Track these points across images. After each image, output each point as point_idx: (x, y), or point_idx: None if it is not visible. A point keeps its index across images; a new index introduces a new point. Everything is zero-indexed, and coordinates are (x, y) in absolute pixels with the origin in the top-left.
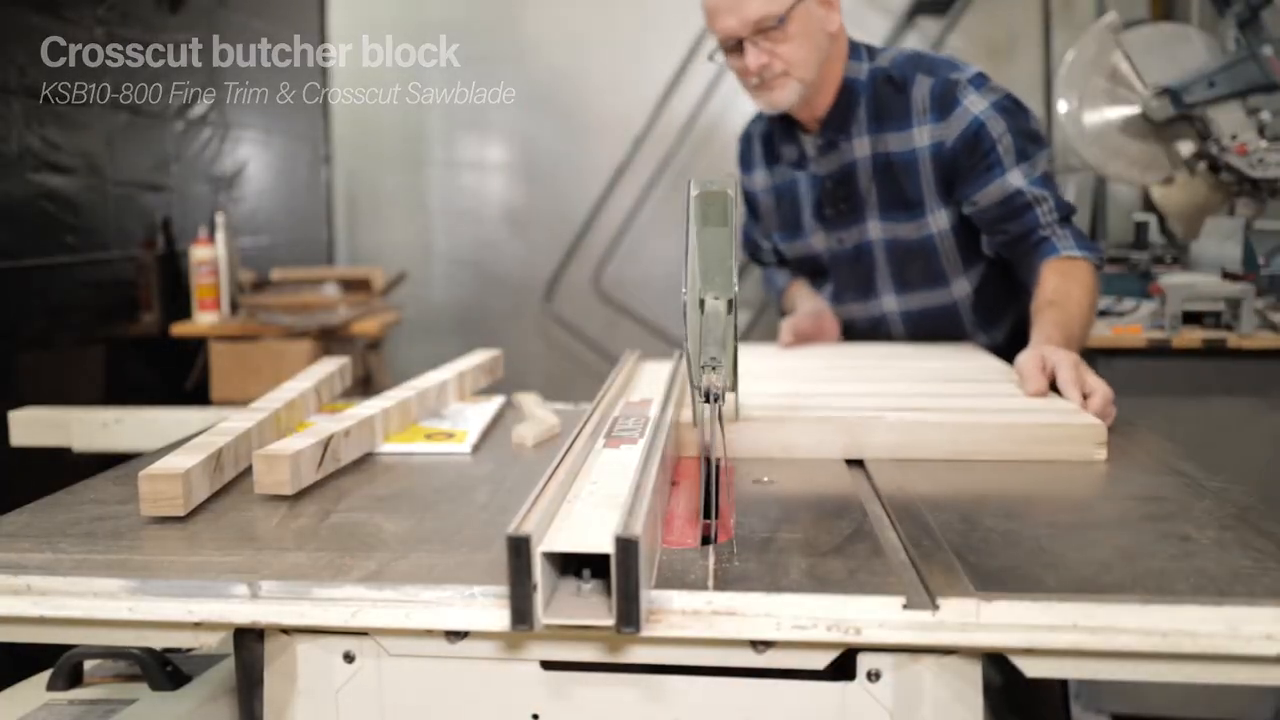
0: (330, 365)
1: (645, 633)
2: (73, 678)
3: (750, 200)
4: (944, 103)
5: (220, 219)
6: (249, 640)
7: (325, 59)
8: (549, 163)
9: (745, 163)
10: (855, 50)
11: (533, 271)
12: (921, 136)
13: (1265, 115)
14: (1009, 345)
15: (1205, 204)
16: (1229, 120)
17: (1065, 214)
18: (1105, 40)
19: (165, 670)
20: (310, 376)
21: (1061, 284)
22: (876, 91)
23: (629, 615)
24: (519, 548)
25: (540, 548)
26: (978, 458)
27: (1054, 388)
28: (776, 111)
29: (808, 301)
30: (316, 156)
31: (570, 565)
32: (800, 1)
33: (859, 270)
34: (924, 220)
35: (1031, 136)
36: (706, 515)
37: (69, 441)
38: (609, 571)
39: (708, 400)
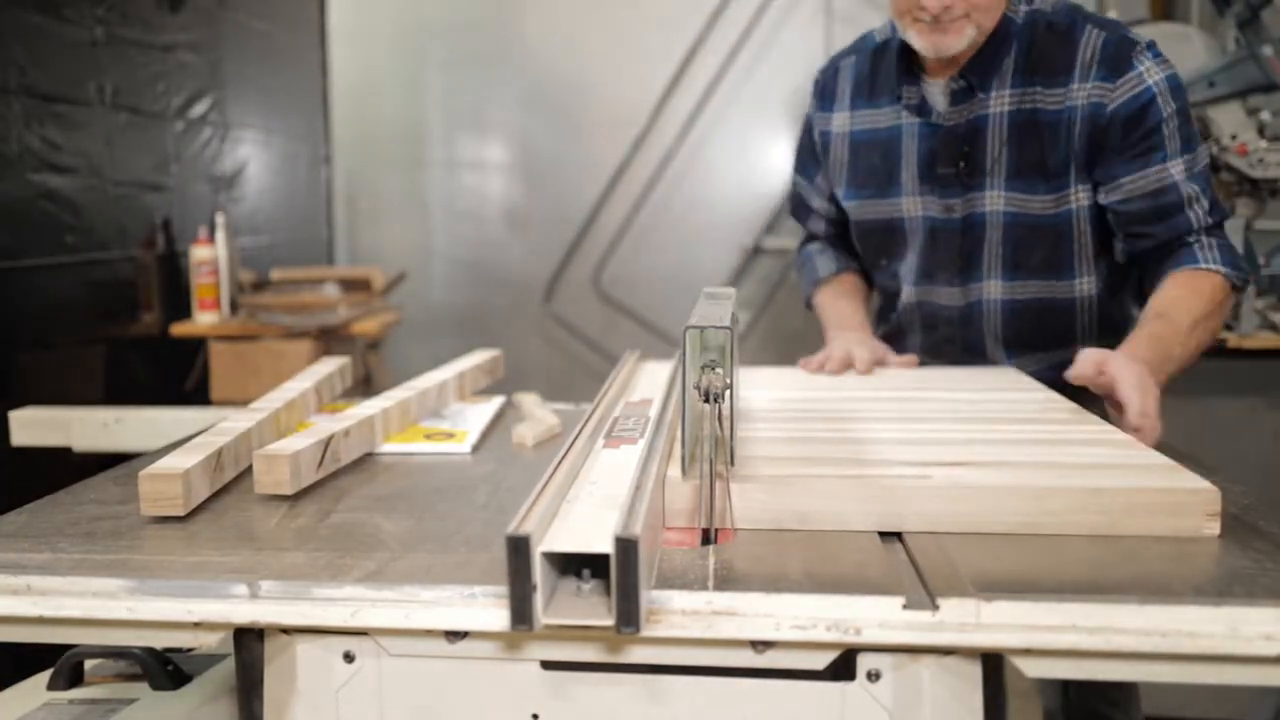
0: (330, 365)
1: (645, 633)
2: (73, 677)
3: (820, 144)
4: (1118, 61)
5: (220, 219)
6: (249, 640)
7: (325, 58)
8: (549, 163)
9: (825, 98)
10: None
11: (533, 271)
12: (1082, 93)
13: (1265, 115)
14: None
15: None
16: (1229, 120)
17: (1219, 219)
18: None
19: (166, 670)
20: (310, 376)
21: (1181, 296)
22: (1034, 38)
23: (629, 615)
24: (518, 548)
25: (540, 548)
26: (1052, 531)
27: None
28: (942, 55)
29: (838, 334)
30: (316, 156)
31: (570, 565)
32: None
33: (963, 246)
34: (1065, 193)
35: (1193, 128)
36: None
37: (69, 441)
38: (609, 571)
39: (707, 400)
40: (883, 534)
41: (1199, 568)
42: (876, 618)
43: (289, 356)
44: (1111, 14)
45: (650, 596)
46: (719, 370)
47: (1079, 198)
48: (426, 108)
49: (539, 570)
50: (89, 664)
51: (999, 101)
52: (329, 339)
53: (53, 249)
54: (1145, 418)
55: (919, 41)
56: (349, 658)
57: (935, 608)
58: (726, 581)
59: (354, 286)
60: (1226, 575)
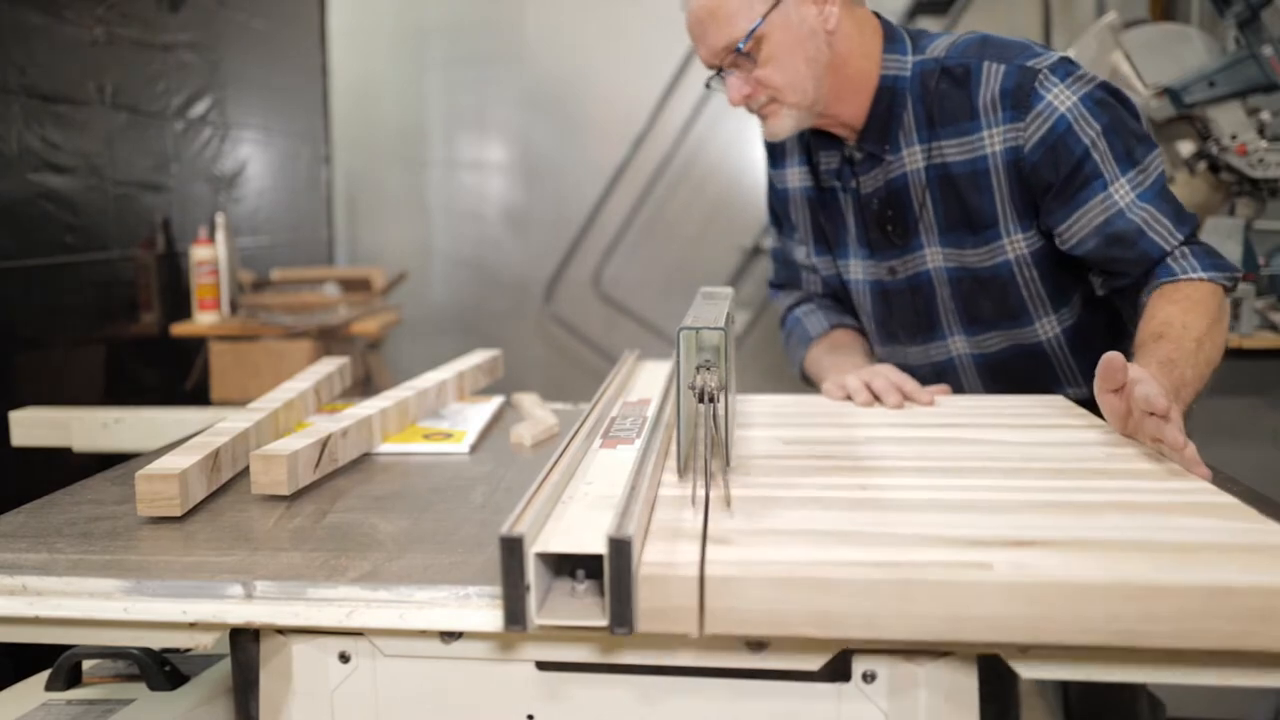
0: (330, 365)
1: (639, 633)
2: (71, 678)
3: (780, 200)
4: (1020, 97)
5: (220, 219)
6: (245, 640)
7: (325, 58)
8: (549, 163)
9: (775, 155)
10: (894, 41)
11: (533, 271)
12: (993, 140)
13: (1265, 115)
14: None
15: (1205, 204)
16: (1229, 120)
17: (1189, 233)
18: (1105, 40)
19: (163, 670)
20: (310, 376)
21: (1174, 313)
22: (927, 89)
23: (622, 616)
24: (512, 548)
25: (533, 548)
26: (1158, 643)
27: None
28: (778, 139)
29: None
30: (316, 156)
31: (565, 565)
32: (774, 10)
33: (917, 305)
34: (999, 244)
35: (1138, 136)
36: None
37: (69, 441)
38: (603, 572)
39: (701, 401)
40: None
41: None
42: None
43: (289, 356)
44: (1111, 15)
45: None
46: (714, 370)
47: (1015, 246)
48: (426, 108)
49: (533, 571)
50: (86, 664)
51: (912, 158)
52: (329, 339)
53: (53, 249)
54: (1175, 440)
55: (763, 131)
56: (344, 658)
57: None
58: None
59: (354, 286)
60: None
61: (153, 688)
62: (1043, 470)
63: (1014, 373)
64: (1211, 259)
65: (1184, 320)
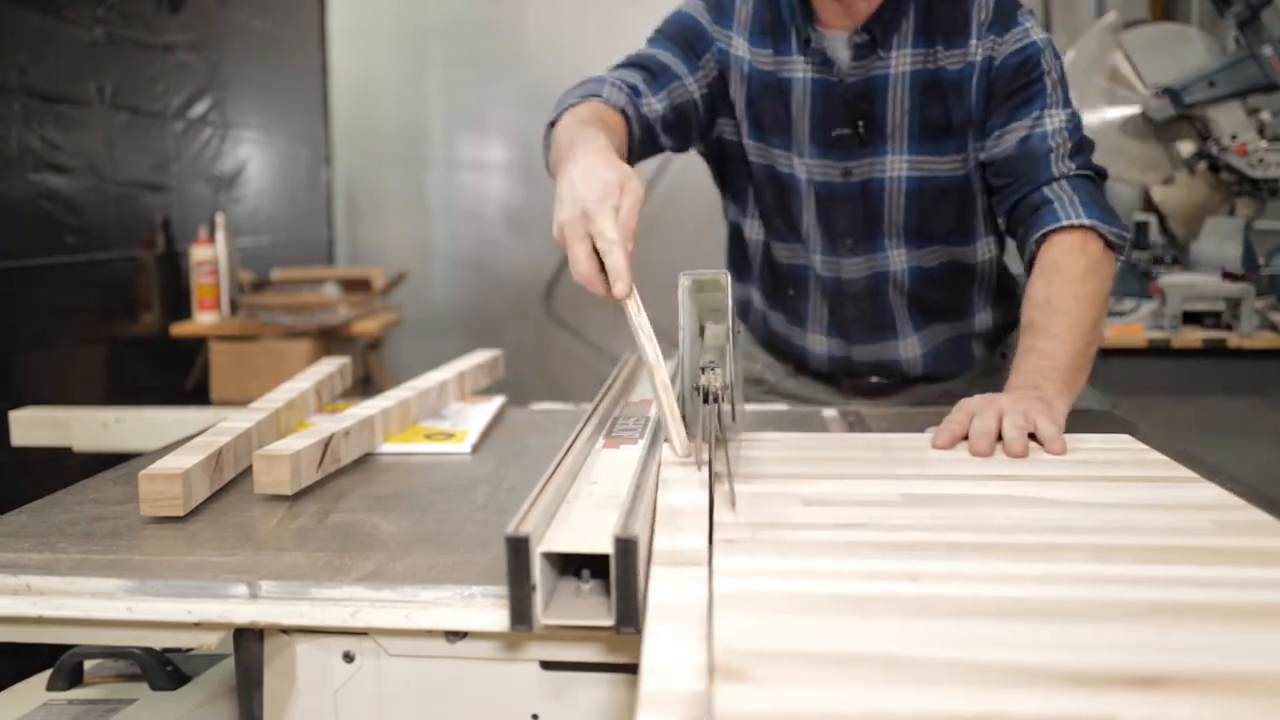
0: (330, 365)
1: (646, 632)
2: (73, 677)
3: (718, 58)
4: (1004, 18)
5: (220, 219)
6: (248, 640)
7: (325, 58)
8: None
9: (722, 13)
10: None
11: (533, 271)
12: (975, 51)
13: (1265, 115)
14: (1002, 331)
15: (1205, 204)
16: (1229, 120)
17: (1086, 169)
18: (1105, 40)
19: (165, 670)
20: (310, 376)
21: (1053, 286)
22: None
23: (628, 615)
24: (518, 548)
25: (539, 548)
26: None
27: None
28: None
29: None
30: (316, 156)
31: (570, 565)
32: None
33: (862, 212)
34: (967, 153)
35: (1069, 95)
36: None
37: (69, 441)
38: (608, 572)
39: (706, 402)
40: None
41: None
42: None
43: (289, 356)
44: (1111, 15)
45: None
46: (717, 370)
47: (978, 155)
48: (426, 108)
49: (538, 570)
50: (88, 664)
51: (900, 61)
52: (329, 339)
53: (53, 249)
54: (1046, 436)
55: None
56: (348, 658)
57: None
58: None
59: (354, 286)
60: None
61: (155, 687)
62: (1144, 550)
63: (945, 291)
64: (1099, 210)
65: (1062, 297)
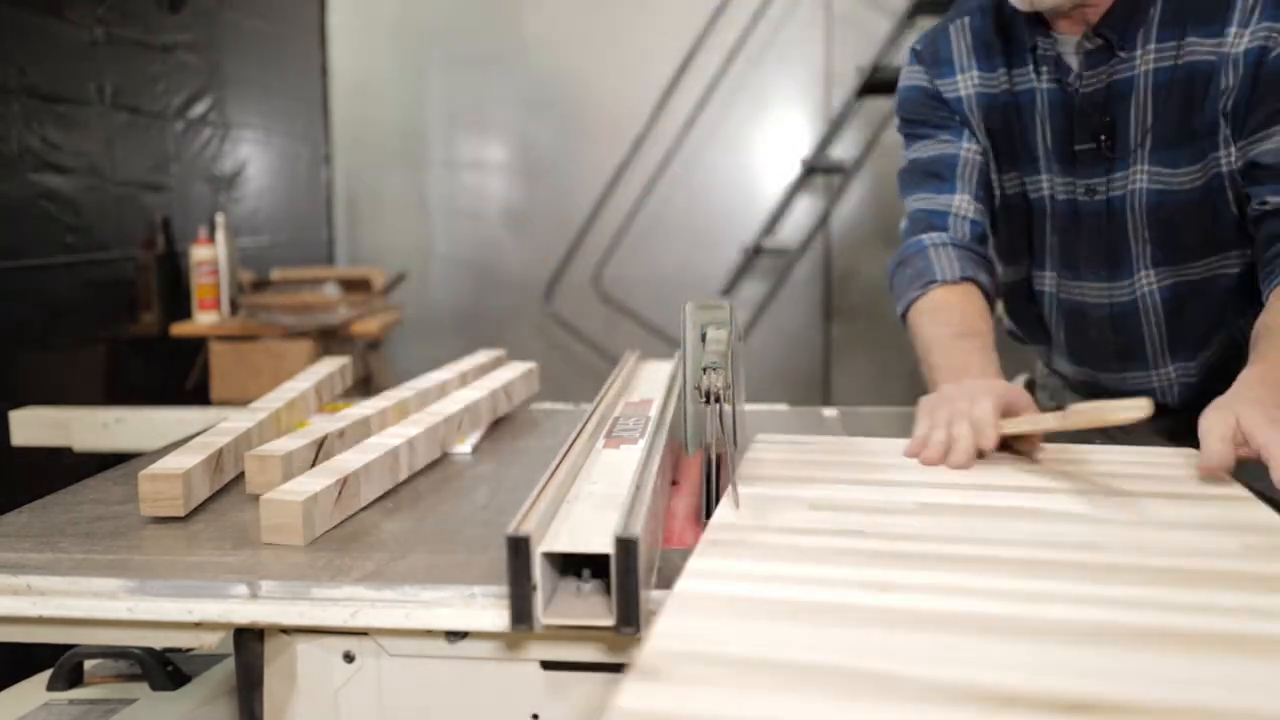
0: (330, 365)
1: (645, 633)
2: (73, 677)
3: (952, 104)
4: None
5: (220, 219)
6: (249, 640)
7: (325, 58)
8: (549, 163)
9: (940, 63)
10: None
11: (533, 271)
12: (1240, 39)
13: None
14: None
15: None
16: None
17: None
18: None
19: (165, 670)
20: (310, 376)
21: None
22: None
23: (629, 615)
24: (518, 548)
25: (540, 548)
26: None
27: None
28: (1032, 8)
29: (978, 380)
30: (316, 156)
31: (570, 565)
32: None
33: (1106, 234)
34: (1215, 155)
35: None
36: (707, 515)
37: (69, 441)
38: (609, 572)
39: (708, 402)
40: None
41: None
42: None
43: (289, 356)
44: None
45: (650, 596)
46: (719, 371)
47: (1229, 159)
48: (426, 108)
49: (539, 570)
50: (88, 664)
51: (1145, 59)
52: (329, 339)
53: (53, 249)
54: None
55: None
56: (349, 658)
57: None
58: None
59: (354, 286)
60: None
61: (155, 687)
62: (1146, 571)
63: (1196, 311)
64: None
65: None
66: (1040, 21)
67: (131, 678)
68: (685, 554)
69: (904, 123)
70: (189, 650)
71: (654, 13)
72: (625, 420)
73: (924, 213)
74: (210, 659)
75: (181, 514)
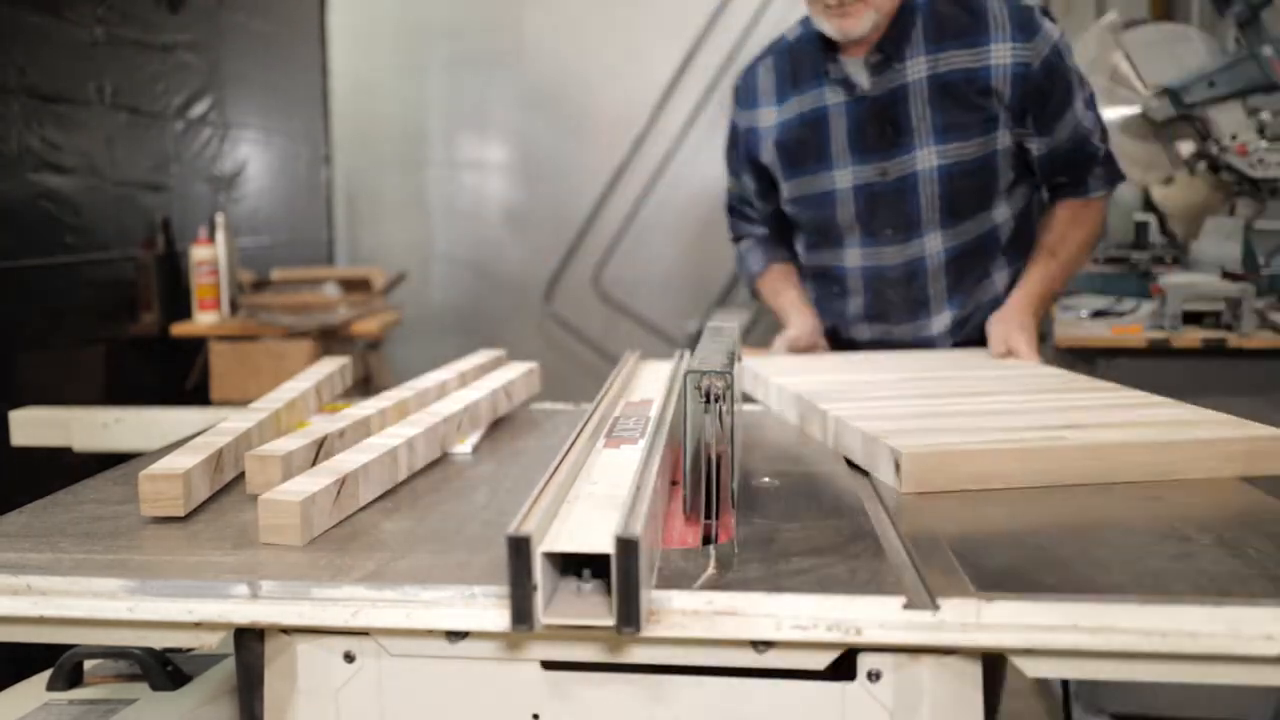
0: (330, 365)
1: (645, 633)
2: (73, 678)
3: (748, 143)
4: (1025, 23)
5: (220, 219)
6: (249, 640)
7: (325, 58)
8: (549, 163)
9: (747, 97)
10: None
11: (533, 271)
12: (1002, 54)
13: (1265, 115)
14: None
15: (1205, 204)
16: (1229, 120)
17: (1108, 146)
18: (1105, 40)
19: (165, 670)
20: (310, 376)
21: (1066, 231)
22: (935, 9)
23: (629, 615)
24: (519, 548)
25: (540, 548)
26: (1173, 476)
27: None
28: (848, 38)
29: (796, 314)
30: (316, 156)
31: (570, 565)
32: None
33: (901, 205)
34: (993, 135)
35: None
36: (707, 515)
37: (69, 441)
38: (609, 571)
39: (708, 401)
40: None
41: (1198, 567)
42: (877, 618)
43: (289, 356)
44: (1111, 15)
45: (650, 596)
46: (721, 374)
47: (1004, 139)
48: (426, 108)
49: (539, 570)
50: (88, 664)
51: (915, 68)
52: (329, 339)
53: (53, 249)
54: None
55: (827, 26)
56: (349, 658)
57: (936, 608)
58: (726, 581)
59: (354, 286)
60: (1227, 575)
61: (155, 687)
62: (1031, 391)
63: (970, 263)
64: (1111, 172)
65: (1070, 237)
66: (832, 49)
67: (131, 678)
68: (685, 554)
69: (727, 156)
70: (189, 650)
71: (654, 13)
72: (625, 420)
73: (738, 227)
74: (210, 659)
75: (181, 514)
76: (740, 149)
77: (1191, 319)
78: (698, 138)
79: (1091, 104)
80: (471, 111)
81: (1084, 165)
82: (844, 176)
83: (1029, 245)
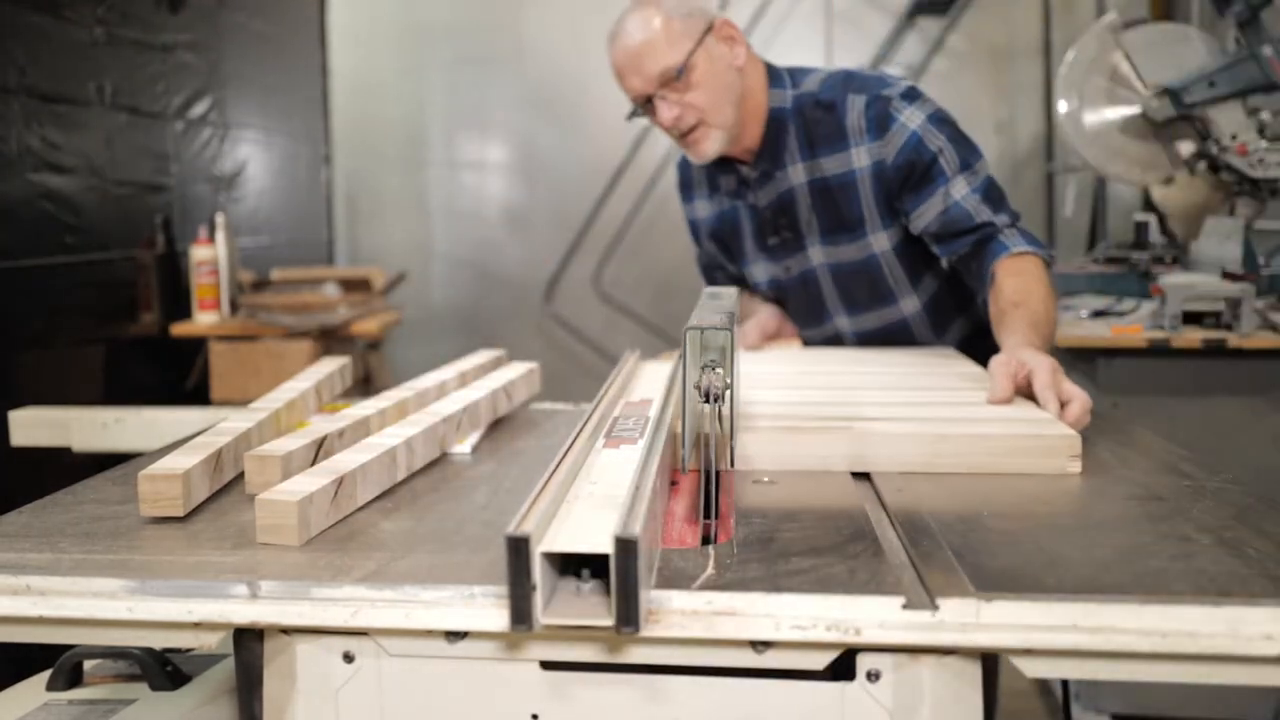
0: (330, 365)
1: (645, 633)
2: (72, 678)
3: (695, 230)
4: (880, 121)
5: (220, 219)
6: (249, 640)
7: (325, 58)
8: (549, 163)
9: (685, 188)
10: (776, 78)
11: (533, 271)
12: (860, 157)
13: (1265, 115)
14: (961, 349)
15: (1205, 204)
16: (1229, 120)
17: (1013, 219)
18: (1105, 40)
19: (165, 670)
20: (310, 376)
21: (1021, 283)
22: (805, 117)
23: (628, 615)
24: (518, 548)
25: (540, 548)
26: (950, 470)
27: (1030, 395)
28: (706, 161)
29: (764, 307)
30: (316, 156)
31: (570, 565)
32: (699, 46)
33: (807, 296)
34: (865, 241)
35: (970, 146)
36: (706, 515)
37: (69, 441)
38: (608, 572)
39: (707, 400)
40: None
41: (1198, 567)
42: (876, 618)
43: (289, 356)
44: (1111, 15)
45: (650, 596)
46: (719, 370)
47: (879, 242)
48: (427, 108)
49: (539, 570)
50: (88, 664)
51: (796, 174)
52: (329, 339)
53: (53, 249)
54: (1070, 395)
55: (688, 154)
56: (349, 658)
57: (935, 608)
58: (726, 582)
59: (354, 286)
60: (1227, 575)
61: (154, 688)
62: (908, 386)
63: (885, 342)
64: (1033, 239)
65: (1031, 289)
66: (722, 160)
67: (131, 678)
68: (685, 554)
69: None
70: (189, 650)
71: None
72: (625, 420)
73: (705, 271)
74: (210, 659)
75: (181, 514)
76: (694, 231)
77: (1191, 319)
78: None
79: (984, 185)
80: (471, 111)
81: (971, 233)
82: (760, 270)
83: (949, 323)
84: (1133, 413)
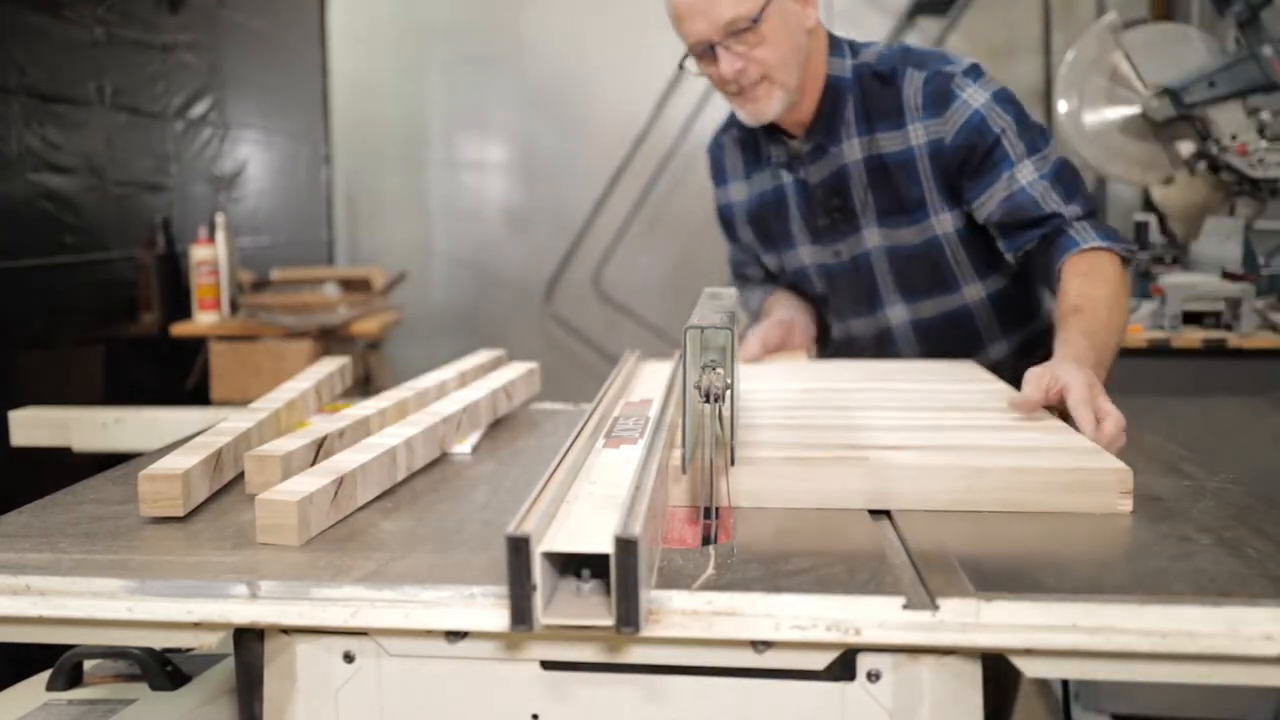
0: (330, 365)
1: (645, 633)
2: (72, 678)
3: (727, 217)
4: (939, 97)
5: (220, 219)
6: (248, 640)
7: (325, 58)
8: (549, 163)
9: (719, 173)
10: (837, 46)
11: (533, 271)
12: (917, 134)
13: (1265, 115)
14: (1021, 352)
15: (1205, 204)
16: (1229, 120)
17: (1087, 209)
18: (1105, 40)
19: (165, 670)
20: (310, 376)
21: (1085, 286)
22: (864, 89)
23: (628, 615)
24: (518, 548)
25: (540, 548)
26: (978, 508)
27: (1065, 413)
28: (761, 122)
29: (781, 310)
30: (316, 156)
31: (570, 565)
32: None
33: (859, 283)
34: (927, 223)
35: (1039, 129)
36: (706, 515)
37: (69, 441)
38: (609, 572)
39: (707, 401)
40: (873, 511)
41: (1198, 567)
42: (876, 618)
43: (289, 356)
44: (1111, 15)
45: (650, 596)
46: (719, 370)
47: (942, 224)
48: (426, 108)
49: (539, 570)
50: (88, 664)
51: (852, 150)
52: (329, 339)
53: (53, 249)
54: (1106, 413)
55: (740, 113)
56: (349, 658)
57: (935, 608)
58: (726, 582)
59: (354, 286)
60: (1227, 575)
61: (154, 688)
62: (934, 408)
63: (945, 336)
64: (1109, 232)
65: (1095, 293)
66: (775, 129)
67: (131, 678)
68: (685, 554)
69: (719, 223)
70: (189, 650)
71: (654, 13)
72: (625, 420)
73: (743, 289)
74: (210, 659)
75: (181, 514)
76: (725, 220)
77: (1191, 319)
78: (698, 138)
79: (1054, 171)
80: (471, 111)
81: (1038, 225)
82: (807, 254)
83: (1018, 318)
84: (1133, 413)
